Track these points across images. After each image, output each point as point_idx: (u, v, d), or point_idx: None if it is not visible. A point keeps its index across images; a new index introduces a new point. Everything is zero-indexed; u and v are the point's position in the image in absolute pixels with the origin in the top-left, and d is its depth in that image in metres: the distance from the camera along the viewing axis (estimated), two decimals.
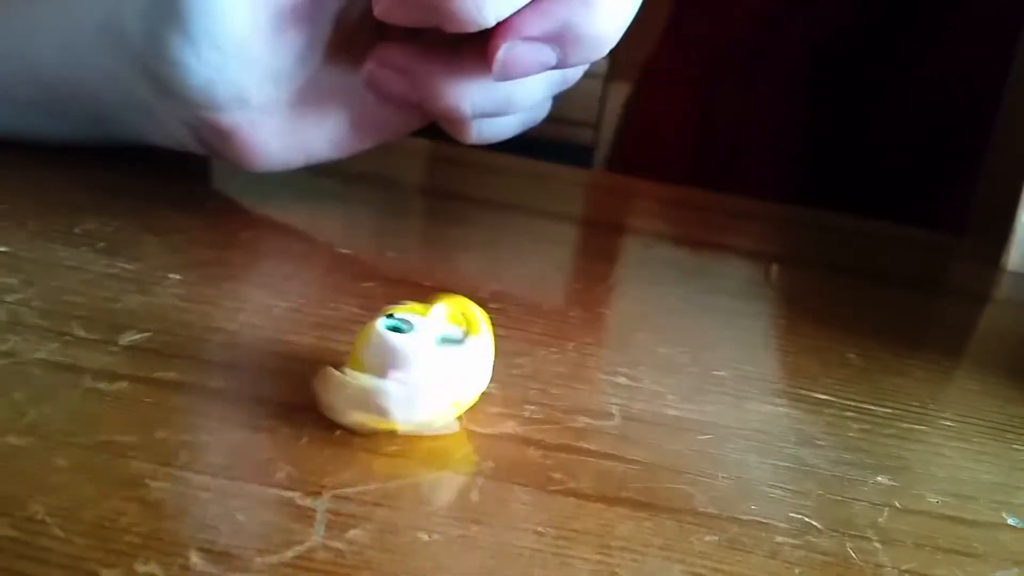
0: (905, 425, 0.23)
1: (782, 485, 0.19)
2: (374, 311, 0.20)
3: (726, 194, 0.41)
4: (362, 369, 0.18)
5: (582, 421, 0.21)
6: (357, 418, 0.18)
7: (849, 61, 0.50)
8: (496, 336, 0.20)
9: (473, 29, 0.23)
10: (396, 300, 0.25)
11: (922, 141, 0.49)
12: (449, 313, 0.20)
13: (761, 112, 0.50)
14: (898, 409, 0.23)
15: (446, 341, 0.19)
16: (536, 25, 0.23)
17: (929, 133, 0.49)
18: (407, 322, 0.19)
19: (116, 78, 0.28)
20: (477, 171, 0.41)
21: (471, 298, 0.20)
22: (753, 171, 0.50)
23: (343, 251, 0.30)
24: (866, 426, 0.22)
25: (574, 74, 0.28)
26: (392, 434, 0.19)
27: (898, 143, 0.50)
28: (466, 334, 0.19)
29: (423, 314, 0.19)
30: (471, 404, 0.19)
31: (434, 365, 0.18)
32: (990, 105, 0.43)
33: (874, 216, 0.42)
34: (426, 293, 0.26)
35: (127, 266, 0.25)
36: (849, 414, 0.23)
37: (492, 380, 0.20)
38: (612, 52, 0.25)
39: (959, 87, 0.48)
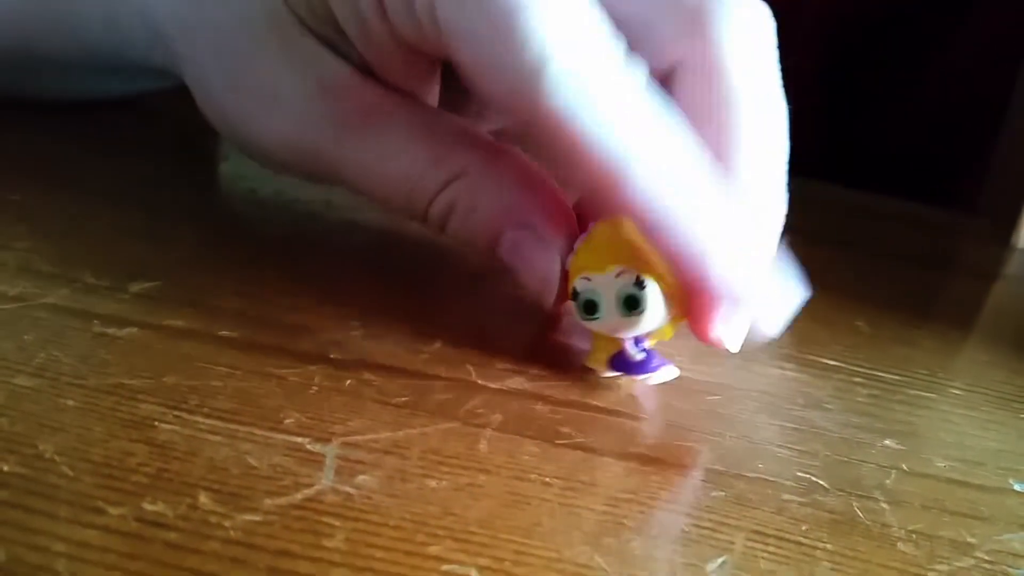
0: (913, 392, 0.23)
1: (790, 446, 0.19)
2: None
3: None
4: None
5: (591, 379, 0.21)
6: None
7: (866, 43, 0.49)
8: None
9: None
10: (407, 258, 0.25)
11: (936, 123, 0.49)
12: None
13: None
14: (907, 376, 0.23)
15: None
16: None
17: (944, 116, 0.49)
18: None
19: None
20: None
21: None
22: None
23: (352, 209, 0.30)
24: (875, 392, 0.22)
25: None
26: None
27: (912, 125, 0.49)
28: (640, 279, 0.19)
29: (602, 272, 0.19)
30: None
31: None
32: (1005, 88, 0.43)
33: (887, 196, 0.42)
34: (439, 250, 0.26)
35: (138, 215, 0.25)
36: (858, 380, 0.23)
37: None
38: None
39: (974, 72, 0.48)
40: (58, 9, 0.28)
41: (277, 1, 0.23)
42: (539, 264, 0.21)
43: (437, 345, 0.21)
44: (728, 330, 0.19)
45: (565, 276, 0.20)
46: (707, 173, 0.18)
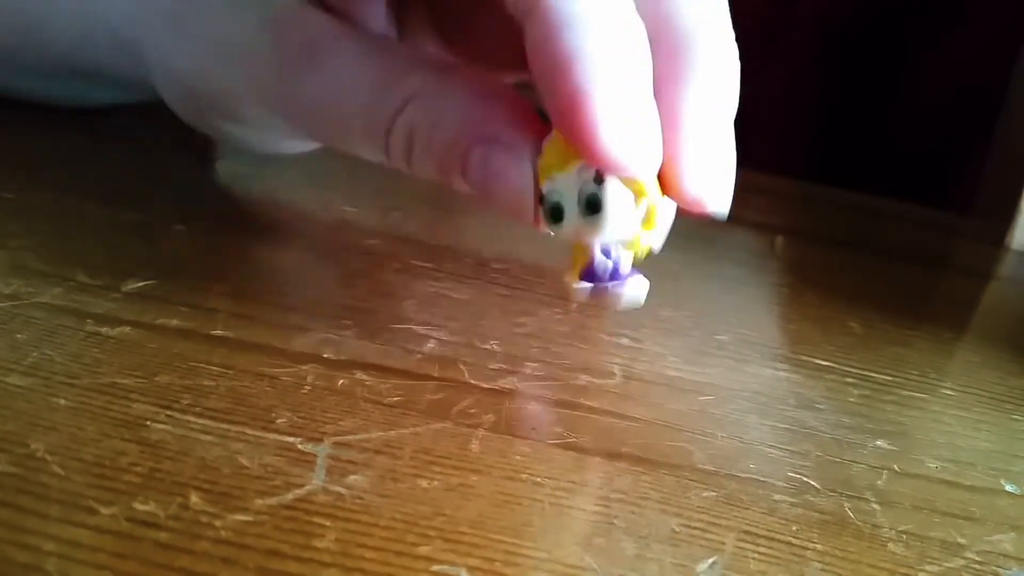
0: (905, 392, 0.23)
1: (781, 446, 0.19)
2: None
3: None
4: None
5: (583, 379, 0.21)
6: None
7: (862, 41, 0.49)
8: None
9: None
10: (401, 258, 0.25)
11: (931, 122, 0.49)
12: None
13: (773, 90, 0.50)
14: (899, 377, 0.23)
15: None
16: None
17: (939, 115, 0.49)
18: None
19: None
20: None
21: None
22: (762, 149, 0.49)
23: (348, 209, 0.30)
24: (866, 392, 0.22)
25: None
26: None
27: (908, 124, 0.50)
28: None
29: (565, 170, 0.18)
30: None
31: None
32: (1000, 87, 0.43)
33: (882, 195, 0.42)
34: (433, 250, 0.26)
35: (132, 215, 0.25)
36: (850, 380, 0.23)
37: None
38: None
39: (970, 70, 0.48)
40: (30, 24, 0.28)
41: None
42: (512, 176, 0.19)
43: (430, 345, 0.21)
44: (705, 186, 0.18)
45: (537, 181, 0.19)
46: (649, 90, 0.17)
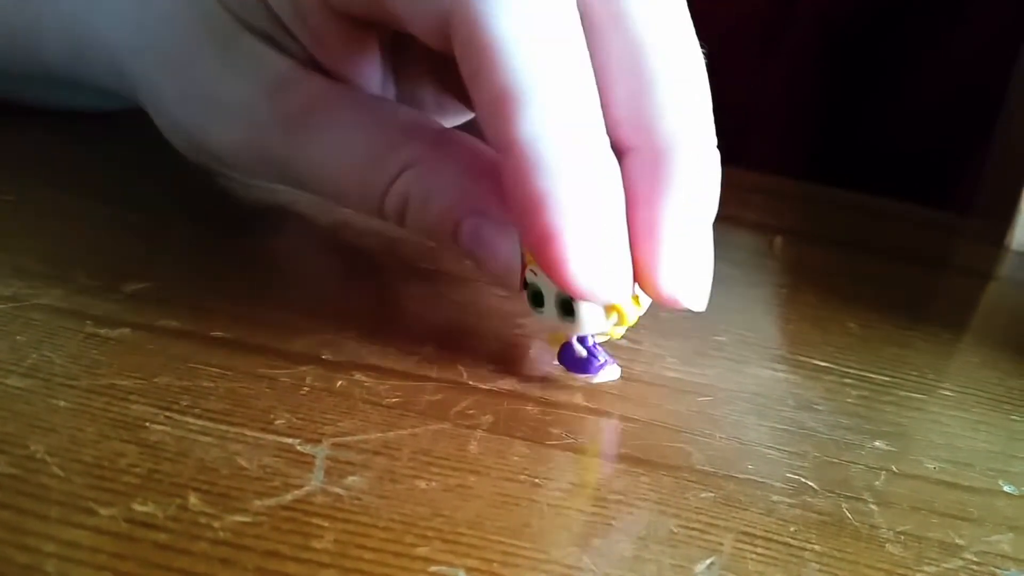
0: (904, 393, 0.23)
1: (779, 447, 0.19)
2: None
3: (733, 168, 0.41)
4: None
5: (582, 380, 0.21)
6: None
7: (862, 40, 0.49)
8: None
9: None
10: (400, 259, 0.25)
11: (931, 122, 0.49)
12: None
13: (773, 89, 0.50)
14: (897, 377, 0.23)
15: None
16: None
17: (939, 115, 0.49)
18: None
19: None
20: None
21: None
22: (763, 148, 0.49)
23: (347, 210, 0.30)
24: (865, 393, 0.22)
25: None
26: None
27: (908, 123, 0.50)
28: None
29: None
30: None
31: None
32: (999, 87, 0.43)
33: (882, 195, 0.42)
34: (431, 251, 0.26)
35: (132, 216, 0.25)
36: (848, 381, 0.23)
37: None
38: None
39: (970, 70, 0.48)
40: (23, 36, 0.28)
41: (210, 2, 0.22)
42: (500, 250, 0.20)
43: (428, 346, 0.21)
44: (680, 286, 0.18)
45: (524, 263, 0.20)
46: (600, 124, 0.18)
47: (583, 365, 0.20)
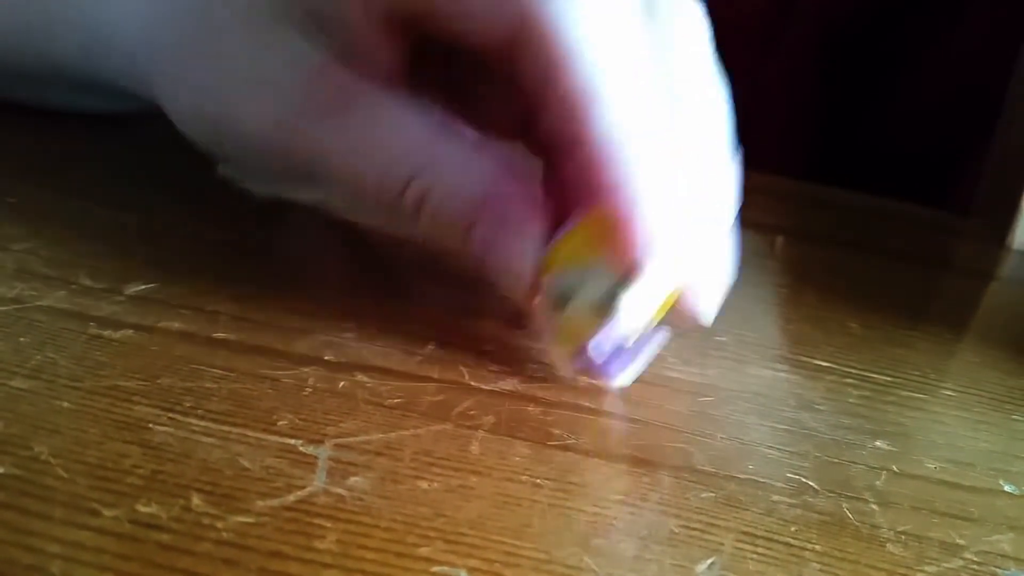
0: (905, 393, 0.23)
1: (780, 447, 0.19)
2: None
3: None
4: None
5: (583, 381, 0.21)
6: None
7: (862, 40, 0.49)
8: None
9: None
10: (401, 261, 0.25)
11: (931, 122, 0.49)
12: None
13: (772, 89, 0.50)
14: (899, 378, 0.24)
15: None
16: None
17: (939, 115, 0.49)
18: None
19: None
20: None
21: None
22: (763, 148, 0.49)
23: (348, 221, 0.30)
24: (866, 393, 0.22)
25: None
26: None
27: (908, 123, 0.50)
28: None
29: (583, 266, 0.20)
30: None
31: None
32: (999, 88, 0.43)
33: (882, 195, 0.42)
34: (428, 254, 0.26)
35: (134, 218, 0.25)
36: (849, 381, 0.23)
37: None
38: None
39: (970, 70, 0.48)
40: (33, 31, 0.28)
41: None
42: (514, 258, 0.20)
43: (430, 347, 0.21)
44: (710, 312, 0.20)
45: (536, 271, 0.20)
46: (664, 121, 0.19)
47: (602, 368, 0.20)
